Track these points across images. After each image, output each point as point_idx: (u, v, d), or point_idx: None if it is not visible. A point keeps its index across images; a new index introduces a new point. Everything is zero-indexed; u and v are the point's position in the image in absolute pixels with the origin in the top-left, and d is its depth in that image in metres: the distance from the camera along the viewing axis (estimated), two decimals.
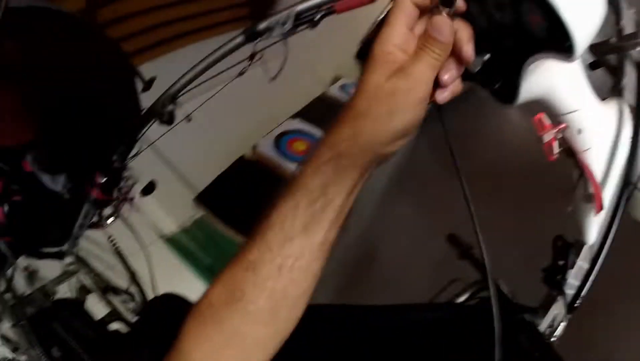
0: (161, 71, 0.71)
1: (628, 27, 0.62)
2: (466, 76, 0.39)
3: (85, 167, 0.67)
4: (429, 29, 0.27)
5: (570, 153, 0.47)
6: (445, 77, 0.29)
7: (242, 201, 3.19)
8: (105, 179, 0.67)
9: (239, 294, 0.28)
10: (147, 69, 0.74)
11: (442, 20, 0.27)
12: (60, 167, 0.66)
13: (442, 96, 0.30)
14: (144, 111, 0.66)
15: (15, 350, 0.70)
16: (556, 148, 0.45)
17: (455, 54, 0.30)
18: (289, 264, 0.27)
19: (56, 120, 0.64)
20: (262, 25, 0.59)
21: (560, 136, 0.45)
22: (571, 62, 0.39)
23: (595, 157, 0.47)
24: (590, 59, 0.53)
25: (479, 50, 0.41)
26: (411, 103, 0.28)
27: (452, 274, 0.92)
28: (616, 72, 0.58)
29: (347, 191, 0.28)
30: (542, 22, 0.37)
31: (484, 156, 2.26)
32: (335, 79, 6.00)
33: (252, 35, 0.59)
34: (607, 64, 0.62)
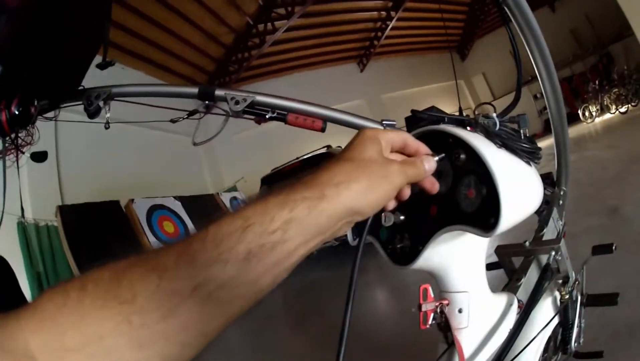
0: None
1: (548, 235, 0.68)
2: (370, 231, 0.40)
3: (22, 80, 0.60)
4: (421, 159, 0.34)
5: (441, 328, 0.48)
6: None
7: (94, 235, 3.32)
8: (20, 109, 0.59)
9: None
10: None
11: (432, 160, 0.35)
12: (9, 59, 0.58)
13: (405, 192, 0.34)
14: (82, 87, 0.60)
15: None
16: (430, 319, 0.46)
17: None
18: (208, 289, 0.22)
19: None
20: (219, 92, 0.56)
21: (439, 310, 0.46)
22: (485, 237, 0.41)
23: (470, 337, 0.48)
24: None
25: (397, 210, 0.42)
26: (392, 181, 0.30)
27: None
28: (516, 272, 0.62)
29: (307, 237, 0.24)
30: (475, 198, 0.39)
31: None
32: (231, 189, 5.84)
33: (205, 94, 0.56)
34: (507, 264, 0.66)
